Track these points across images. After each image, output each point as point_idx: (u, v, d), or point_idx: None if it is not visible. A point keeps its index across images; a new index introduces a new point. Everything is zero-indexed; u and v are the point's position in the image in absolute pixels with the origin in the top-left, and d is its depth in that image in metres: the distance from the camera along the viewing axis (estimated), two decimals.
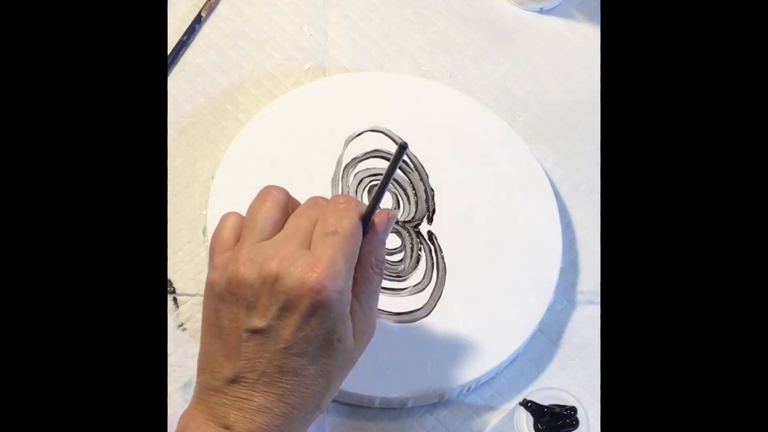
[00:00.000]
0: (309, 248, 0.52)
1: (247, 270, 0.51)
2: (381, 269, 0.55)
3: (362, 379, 0.65)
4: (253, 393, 0.51)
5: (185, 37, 0.78)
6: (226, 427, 0.50)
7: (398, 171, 0.73)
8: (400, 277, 0.69)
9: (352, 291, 0.53)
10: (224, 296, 0.52)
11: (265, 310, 0.51)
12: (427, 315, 0.68)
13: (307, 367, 0.51)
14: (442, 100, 0.77)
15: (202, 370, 0.53)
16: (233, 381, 0.51)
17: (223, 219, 0.55)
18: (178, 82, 0.77)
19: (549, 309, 0.70)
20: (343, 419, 0.67)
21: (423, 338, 0.67)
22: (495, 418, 0.67)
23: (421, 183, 0.73)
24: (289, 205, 0.55)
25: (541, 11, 0.85)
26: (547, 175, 0.75)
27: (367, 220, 0.54)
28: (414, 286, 0.69)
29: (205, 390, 0.52)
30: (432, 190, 0.73)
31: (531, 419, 0.59)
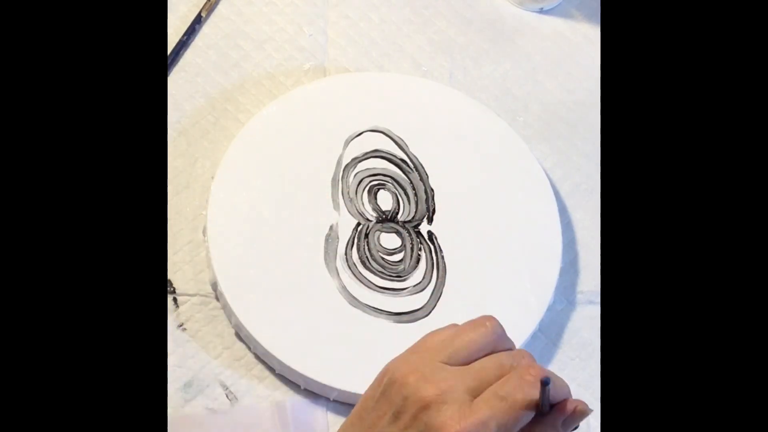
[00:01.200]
0: (473, 398, 0.50)
1: (413, 382, 0.50)
2: None
3: (362, 378, 0.65)
4: None
5: (185, 37, 0.78)
6: None
7: (398, 171, 0.73)
8: (400, 277, 0.69)
9: None
10: (385, 390, 0.51)
11: (404, 429, 0.49)
12: (427, 315, 0.68)
13: None
14: (442, 100, 0.77)
15: None
16: None
17: (465, 329, 0.53)
18: (178, 82, 0.77)
19: (549, 309, 0.70)
20: (343, 419, 0.66)
21: None
22: None
23: (421, 183, 0.73)
24: (498, 344, 0.52)
25: (541, 11, 0.85)
26: (547, 175, 0.75)
27: (545, 401, 0.50)
28: (414, 286, 0.69)
29: None
30: (432, 190, 0.73)
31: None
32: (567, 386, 0.52)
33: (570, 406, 0.51)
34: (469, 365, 0.51)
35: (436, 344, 0.52)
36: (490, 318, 0.53)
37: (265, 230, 0.69)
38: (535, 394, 0.48)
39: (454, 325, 0.53)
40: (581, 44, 0.84)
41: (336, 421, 0.66)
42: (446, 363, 0.51)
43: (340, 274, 0.68)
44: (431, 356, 0.51)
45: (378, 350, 0.66)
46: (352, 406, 0.66)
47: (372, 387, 0.53)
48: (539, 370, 0.50)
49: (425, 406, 0.49)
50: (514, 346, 0.53)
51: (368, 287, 0.68)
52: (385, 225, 0.71)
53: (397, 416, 0.50)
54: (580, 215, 0.76)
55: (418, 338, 0.67)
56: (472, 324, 0.52)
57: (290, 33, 0.80)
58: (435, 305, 0.68)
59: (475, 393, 0.49)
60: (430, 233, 0.71)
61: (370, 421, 0.51)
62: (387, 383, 0.51)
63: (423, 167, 0.73)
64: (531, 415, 0.49)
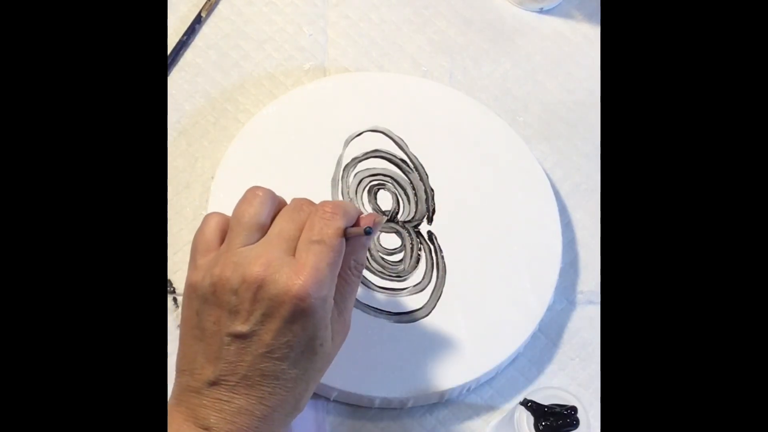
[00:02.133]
0: (294, 254, 0.52)
1: (232, 274, 0.51)
2: (359, 271, 0.56)
3: (362, 379, 0.65)
4: (234, 395, 0.51)
5: (185, 37, 0.78)
6: (206, 429, 0.51)
7: (398, 171, 0.73)
8: (399, 277, 0.69)
9: None
10: (207, 299, 0.52)
11: (249, 315, 0.51)
12: (427, 315, 0.68)
13: (288, 371, 0.52)
14: (442, 100, 0.77)
15: (181, 371, 0.53)
16: (214, 383, 0.52)
17: (207, 219, 0.55)
18: (178, 82, 0.77)
19: (549, 309, 0.70)
20: (343, 419, 0.67)
21: (423, 338, 0.67)
22: (495, 418, 0.67)
23: (421, 183, 0.73)
24: (275, 207, 0.55)
25: (541, 11, 0.85)
26: (547, 175, 0.75)
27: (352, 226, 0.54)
28: (414, 286, 0.69)
29: (185, 391, 0.53)
30: (432, 190, 0.73)
31: (531, 419, 0.59)
32: (355, 207, 0.56)
33: (370, 219, 0.56)
34: (267, 235, 0.53)
35: (222, 235, 0.55)
36: (255, 187, 0.55)
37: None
38: (340, 224, 0.53)
39: (223, 216, 0.55)
40: (581, 44, 0.84)
41: (336, 421, 0.66)
42: (246, 245, 0.53)
43: None
44: (227, 249, 0.53)
45: (378, 350, 0.66)
46: (352, 406, 0.67)
47: (187, 307, 0.54)
48: (329, 203, 0.54)
49: (259, 285, 0.51)
50: (285, 201, 0.56)
51: (368, 287, 0.68)
52: (385, 225, 0.71)
53: (235, 312, 0.51)
54: (580, 215, 0.76)
55: (418, 338, 0.67)
56: (245, 201, 0.55)
57: (290, 33, 0.80)
58: (435, 305, 0.68)
59: (290, 252, 0.52)
60: (430, 233, 0.71)
61: (209, 330, 0.52)
62: (202, 295, 0.52)
63: (423, 167, 0.73)
64: (344, 244, 0.54)
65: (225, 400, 0.51)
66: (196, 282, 0.53)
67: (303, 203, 0.55)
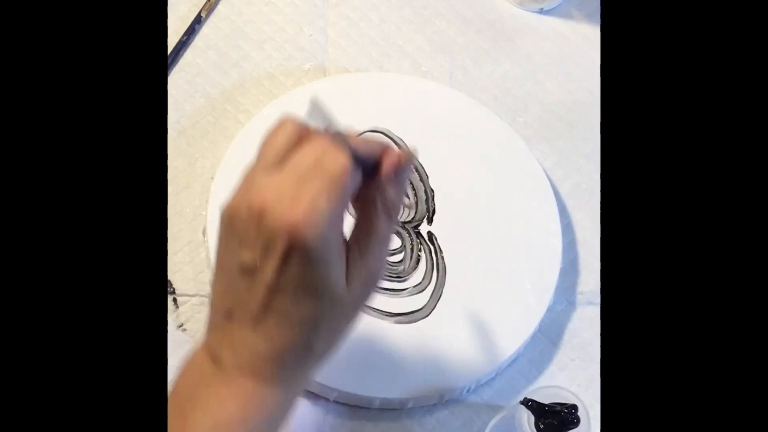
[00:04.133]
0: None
1: (241, 201, 0.50)
2: (389, 213, 0.52)
3: (362, 379, 0.65)
4: (243, 330, 0.50)
5: (185, 37, 0.78)
6: (217, 361, 0.50)
7: None
8: (400, 277, 0.69)
9: (353, 235, 0.51)
10: (225, 228, 0.51)
11: (253, 246, 0.49)
12: (427, 316, 0.68)
13: (291, 309, 0.50)
14: (442, 100, 0.77)
15: (211, 305, 0.53)
16: (227, 316, 0.51)
17: (280, 125, 0.52)
18: (178, 82, 0.77)
19: (549, 310, 0.70)
20: (343, 419, 0.67)
21: (423, 339, 0.67)
22: (495, 419, 0.67)
23: (421, 183, 0.73)
24: (302, 135, 0.51)
25: (541, 11, 0.85)
26: (547, 175, 0.75)
27: (364, 160, 0.51)
28: (414, 286, 0.69)
29: (209, 324, 0.52)
30: (432, 190, 0.73)
31: (532, 418, 0.58)
32: (381, 143, 0.52)
33: (390, 159, 0.51)
34: (283, 165, 0.50)
35: (252, 170, 0.51)
36: (286, 116, 0.51)
37: None
38: (342, 155, 0.49)
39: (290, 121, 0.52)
40: (581, 44, 0.84)
41: (336, 421, 0.66)
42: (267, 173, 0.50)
43: None
44: (249, 174, 0.51)
45: (378, 351, 0.66)
46: (352, 406, 0.67)
47: (218, 236, 0.52)
48: (343, 135, 0.50)
49: (261, 215, 0.48)
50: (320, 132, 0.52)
51: None
52: None
53: (243, 240, 0.49)
54: (580, 216, 0.76)
55: (418, 339, 0.67)
56: (273, 129, 0.51)
57: (290, 33, 0.80)
58: (435, 306, 0.68)
59: (300, 184, 0.49)
60: (430, 234, 0.71)
61: (225, 260, 0.51)
62: (223, 220, 0.51)
63: (423, 167, 0.73)
64: (357, 177, 0.50)
65: (236, 335, 0.50)
66: (222, 209, 0.51)
67: (326, 135, 0.52)
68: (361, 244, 0.51)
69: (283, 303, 0.49)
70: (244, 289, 0.50)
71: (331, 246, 0.49)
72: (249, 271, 0.50)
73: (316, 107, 0.51)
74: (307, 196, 0.48)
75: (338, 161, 0.49)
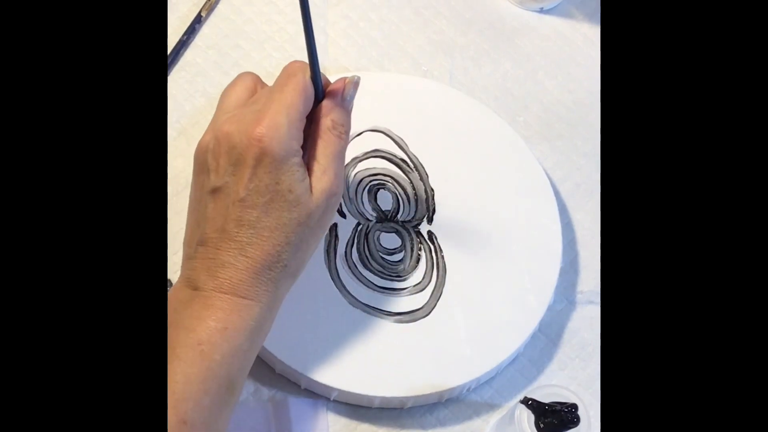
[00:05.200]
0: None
1: (209, 138, 0.56)
2: (340, 132, 0.58)
3: (362, 379, 0.65)
4: (217, 251, 0.54)
5: (185, 37, 0.78)
6: (196, 289, 0.54)
7: (398, 171, 0.73)
8: (400, 277, 0.69)
9: (309, 150, 0.57)
10: (195, 169, 0.57)
11: (222, 169, 0.55)
12: (427, 315, 0.68)
13: (262, 219, 0.54)
14: (442, 99, 0.77)
15: (183, 244, 0.57)
16: (201, 244, 0.55)
17: (238, 78, 0.60)
18: (178, 82, 0.77)
19: (549, 309, 0.70)
20: (343, 419, 0.67)
21: (423, 338, 0.67)
22: (495, 418, 0.67)
23: (421, 183, 0.73)
24: (258, 88, 0.59)
25: (541, 11, 0.85)
26: (547, 175, 0.75)
27: (316, 82, 0.58)
28: (414, 286, 0.69)
29: (184, 260, 0.56)
30: (432, 190, 0.73)
31: (532, 417, 0.58)
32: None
33: (336, 83, 0.60)
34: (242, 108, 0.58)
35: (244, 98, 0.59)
36: (243, 72, 0.61)
37: None
38: (296, 77, 0.57)
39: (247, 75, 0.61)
40: (581, 44, 0.84)
41: (336, 421, 0.66)
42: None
43: (340, 274, 0.68)
44: (211, 121, 0.58)
45: (378, 350, 0.66)
46: (352, 406, 0.67)
47: (192, 182, 0.58)
48: (296, 62, 0.58)
49: (228, 139, 0.55)
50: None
51: (368, 287, 0.68)
52: (385, 225, 0.71)
53: (212, 169, 0.56)
54: (580, 215, 0.76)
55: (418, 338, 0.67)
56: (231, 83, 0.60)
57: (290, 33, 0.80)
58: (435, 305, 0.68)
59: (260, 114, 0.56)
60: (430, 233, 0.71)
61: (197, 196, 0.57)
62: (194, 164, 0.57)
63: (423, 167, 0.73)
64: (304, 94, 0.57)
65: (210, 257, 0.54)
66: (194, 153, 0.57)
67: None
68: (320, 160, 0.57)
69: (252, 214, 0.54)
70: (213, 212, 0.55)
71: (294, 155, 0.55)
72: (220, 191, 0.55)
73: None
74: (267, 116, 0.54)
75: (290, 87, 0.56)
